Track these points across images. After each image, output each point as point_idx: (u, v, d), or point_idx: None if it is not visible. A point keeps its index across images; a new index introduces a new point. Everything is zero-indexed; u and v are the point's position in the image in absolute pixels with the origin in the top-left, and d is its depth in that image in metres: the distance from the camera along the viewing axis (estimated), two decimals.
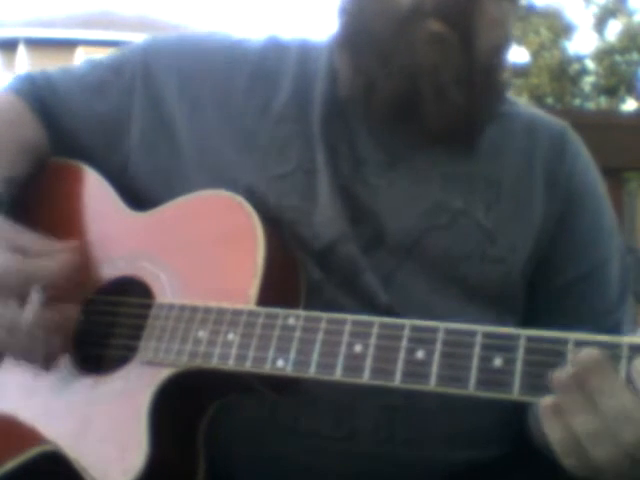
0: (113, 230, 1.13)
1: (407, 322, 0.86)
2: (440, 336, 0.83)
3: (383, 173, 1.08)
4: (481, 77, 1.06)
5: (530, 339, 0.80)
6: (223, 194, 1.04)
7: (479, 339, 0.82)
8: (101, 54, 1.28)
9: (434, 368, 0.82)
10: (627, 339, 0.76)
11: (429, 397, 1.01)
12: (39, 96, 1.21)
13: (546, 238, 1.11)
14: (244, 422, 1.02)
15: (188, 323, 0.97)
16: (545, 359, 0.78)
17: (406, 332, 0.85)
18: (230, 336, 0.93)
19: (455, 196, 1.08)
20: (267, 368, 0.90)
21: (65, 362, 1.06)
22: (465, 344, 0.82)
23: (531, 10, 17.39)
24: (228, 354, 0.93)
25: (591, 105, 17.91)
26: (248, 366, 0.91)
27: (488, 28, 1.04)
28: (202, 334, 0.95)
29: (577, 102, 18.01)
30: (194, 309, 0.97)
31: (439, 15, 1.01)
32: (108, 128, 1.18)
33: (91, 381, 1.03)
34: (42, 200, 1.18)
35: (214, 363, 0.93)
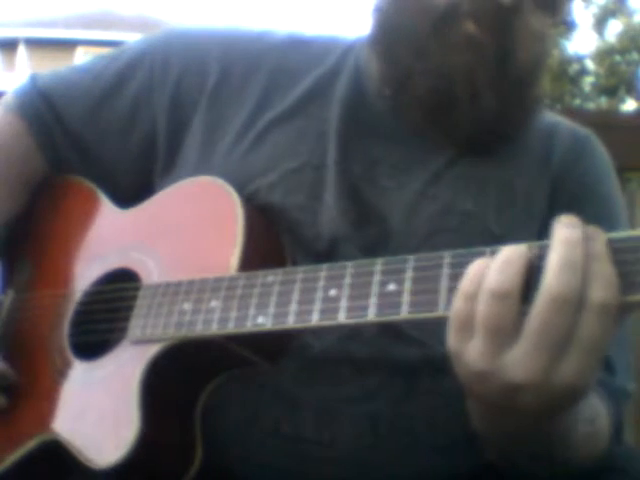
0: (103, 230, 1.16)
1: (379, 259, 0.85)
2: (410, 264, 0.83)
3: (395, 175, 1.07)
4: (515, 88, 1.05)
5: (494, 252, 0.79)
6: (203, 179, 1.06)
7: (447, 260, 0.81)
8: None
9: (405, 296, 0.81)
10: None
11: (413, 405, 1.01)
12: (48, 128, 1.19)
13: None
14: (228, 424, 1.01)
15: (173, 297, 0.98)
16: None
17: (378, 267, 0.85)
18: (213, 303, 0.94)
19: (466, 198, 1.07)
20: (248, 326, 0.90)
21: (65, 354, 1.07)
22: (433, 267, 0.81)
23: None
24: (211, 319, 0.93)
25: (591, 105, 17.89)
26: (231, 327, 0.91)
27: (528, 41, 1.04)
28: (187, 306, 0.96)
29: (577, 102, 18.00)
30: (178, 284, 0.99)
31: (475, 18, 1.01)
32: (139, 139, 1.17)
33: (87, 367, 1.04)
34: (32, 214, 1.22)
35: (199, 330, 0.94)
